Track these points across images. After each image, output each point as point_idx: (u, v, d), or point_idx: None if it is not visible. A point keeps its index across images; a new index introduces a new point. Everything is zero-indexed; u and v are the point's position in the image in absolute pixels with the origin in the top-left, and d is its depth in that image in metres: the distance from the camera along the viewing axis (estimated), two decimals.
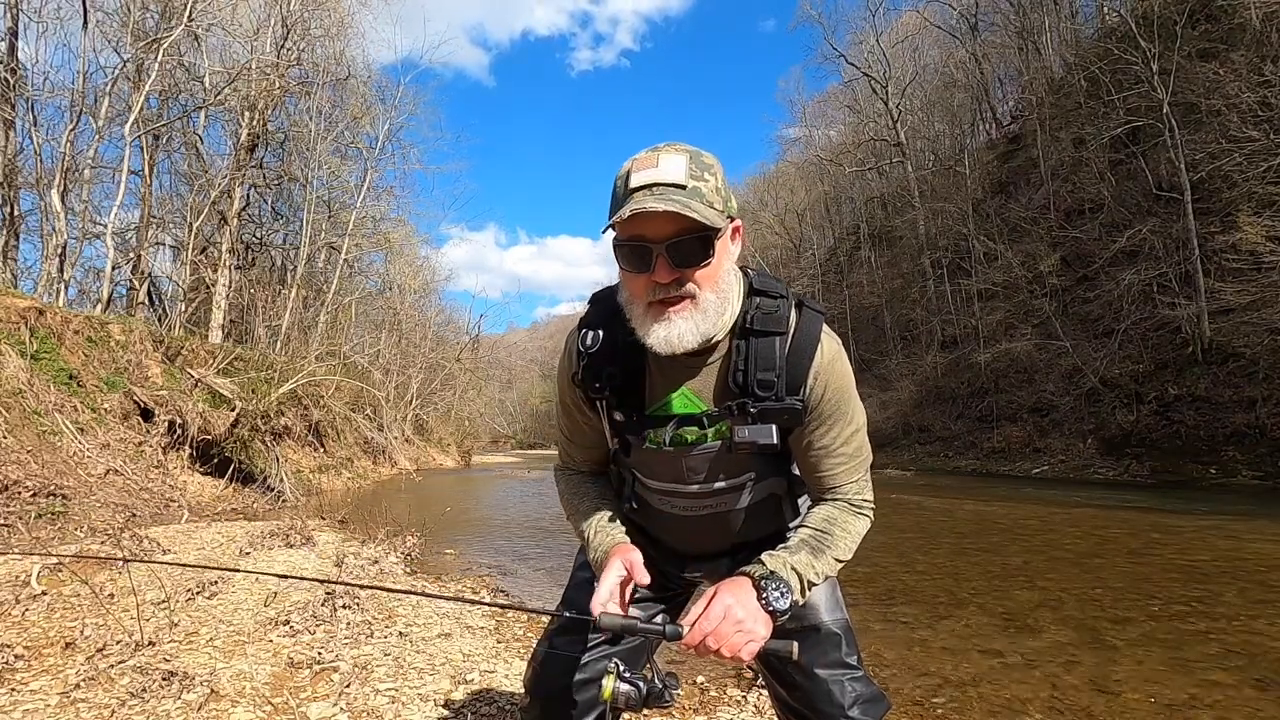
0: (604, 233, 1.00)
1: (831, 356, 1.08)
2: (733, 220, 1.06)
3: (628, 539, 1.16)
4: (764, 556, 1.06)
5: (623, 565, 1.05)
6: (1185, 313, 15.86)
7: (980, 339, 23.46)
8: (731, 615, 0.95)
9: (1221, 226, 15.17)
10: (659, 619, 1.32)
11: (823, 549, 1.09)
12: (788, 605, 0.99)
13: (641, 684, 1.00)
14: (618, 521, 1.21)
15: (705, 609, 0.96)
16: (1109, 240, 19.46)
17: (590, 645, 1.24)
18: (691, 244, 0.98)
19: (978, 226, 25.44)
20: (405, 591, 1.60)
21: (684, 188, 0.97)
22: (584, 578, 1.30)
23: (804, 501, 1.32)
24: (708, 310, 1.02)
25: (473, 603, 1.39)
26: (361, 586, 1.29)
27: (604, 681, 0.99)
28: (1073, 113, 23.37)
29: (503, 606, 1.48)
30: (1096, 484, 14.25)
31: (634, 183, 0.98)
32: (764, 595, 0.98)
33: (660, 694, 1.01)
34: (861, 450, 1.15)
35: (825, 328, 1.10)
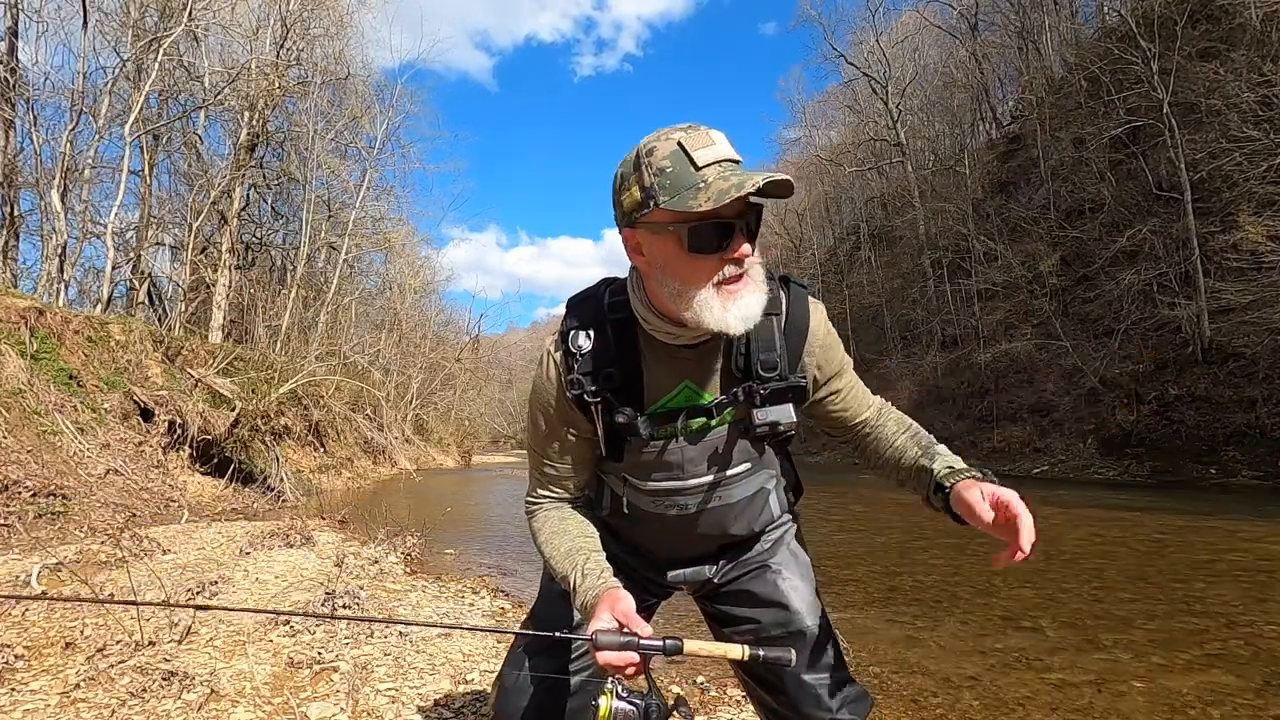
0: (701, 212, 0.92)
1: (820, 322, 1.14)
2: None
3: (619, 583, 1.06)
4: (942, 467, 1.13)
5: (612, 618, 0.97)
6: (1185, 313, 15.84)
7: (980, 339, 23.45)
8: (1013, 500, 1.03)
9: (1222, 226, 15.17)
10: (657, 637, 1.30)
11: (934, 443, 1.22)
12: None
13: (640, 702, 0.94)
14: (604, 559, 1.13)
15: (1019, 525, 1.03)
16: (1109, 240, 19.45)
17: (575, 657, 1.17)
18: (757, 216, 0.99)
19: (978, 226, 25.43)
20: (385, 621, 1.59)
21: (740, 163, 0.97)
22: (556, 591, 1.20)
23: (784, 494, 1.32)
24: (760, 280, 1.02)
25: (449, 628, 1.39)
26: (353, 619, 1.29)
27: (599, 700, 0.92)
28: (1073, 113, 23.36)
29: (488, 630, 1.47)
30: (1096, 484, 14.24)
31: (702, 159, 0.94)
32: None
33: (663, 712, 0.95)
34: (857, 379, 1.26)
35: (811, 299, 1.14)
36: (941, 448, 1.17)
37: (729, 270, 0.98)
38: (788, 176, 0.93)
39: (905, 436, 1.22)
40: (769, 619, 1.23)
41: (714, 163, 0.94)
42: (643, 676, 0.98)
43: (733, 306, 0.98)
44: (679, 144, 0.96)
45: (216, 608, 1.44)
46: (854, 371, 1.24)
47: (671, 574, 1.31)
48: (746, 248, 0.97)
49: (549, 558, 1.16)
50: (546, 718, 1.14)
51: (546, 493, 1.24)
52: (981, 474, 1.08)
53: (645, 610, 1.35)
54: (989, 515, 1.01)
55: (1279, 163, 14.01)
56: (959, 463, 1.12)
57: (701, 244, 0.96)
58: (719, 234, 0.96)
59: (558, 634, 1.09)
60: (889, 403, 1.29)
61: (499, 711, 1.17)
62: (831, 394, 1.20)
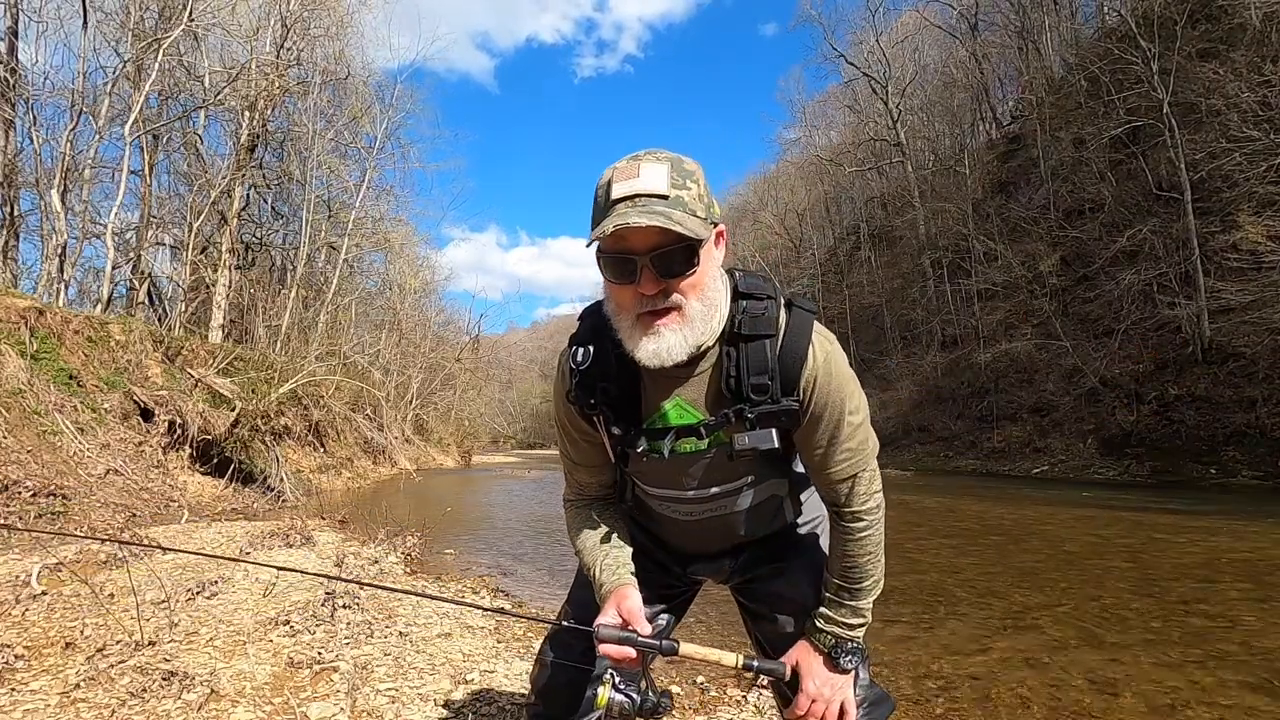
0: (589, 246, 1.00)
1: (825, 356, 1.07)
2: (715, 226, 1.05)
3: (632, 581, 1.16)
4: (819, 620, 1.18)
5: (617, 614, 1.08)
6: (1185, 313, 15.85)
7: (980, 339, 23.46)
8: (821, 697, 1.14)
9: (1221, 226, 15.17)
10: (662, 619, 1.33)
11: (861, 585, 1.17)
12: (859, 658, 1.16)
13: (636, 695, 1.01)
14: (624, 556, 1.21)
15: (797, 702, 1.15)
16: (1109, 240, 19.46)
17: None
18: (676, 255, 0.97)
19: (978, 226, 25.44)
20: (407, 591, 1.59)
21: (666, 197, 0.96)
22: (586, 578, 1.31)
23: (805, 496, 1.32)
24: (695, 320, 1.01)
25: (477, 608, 1.40)
26: (362, 584, 1.29)
27: (599, 690, 1.01)
28: (1073, 113, 23.38)
29: (503, 613, 1.49)
30: (1096, 484, 14.24)
31: (616, 193, 0.97)
32: (838, 663, 1.15)
33: (654, 707, 1.03)
34: (866, 443, 1.13)
35: (816, 325, 1.09)
36: (848, 605, 1.18)
37: (645, 304, 1.00)
38: (662, 224, 0.92)
39: (839, 567, 1.18)
40: (788, 617, 1.27)
41: (626, 198, 0.96)
42: (642, 671, 1.06)
43: (645, 341, 1.01)
44: (611, 175, 1.00)
45: (273, 566, 1.47)
46: (863, 434, 1.12)
47: (692, 568, 1.35)
48: (649, 285, 0.98)
49: (576, 551, 1.26)
50: (571, 696, 1.24)
51: (577, 489, 1.32)
52: (830, 644, 1.16)
53: (680, 602, 1.40)
54: (785, 672, 1.16)
55: (1279, 163, 14.01)
56: (835, 617, 1.18)
57: (608, 274, 1.02)
58: (622, 267, 0.99)
59: (565, 624, 1.18)
60: (869, 511, 1.15)
61: (535, 685, 1.30)
62: (816, 434, 1.10)
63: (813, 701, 1.14)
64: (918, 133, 35.24)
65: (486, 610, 1.20)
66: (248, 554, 5.11)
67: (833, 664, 1.15)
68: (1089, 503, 10.09)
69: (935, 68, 34.67)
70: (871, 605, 1.20)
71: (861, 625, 1.18)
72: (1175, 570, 5.10)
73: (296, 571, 1.62)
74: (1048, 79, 26.78)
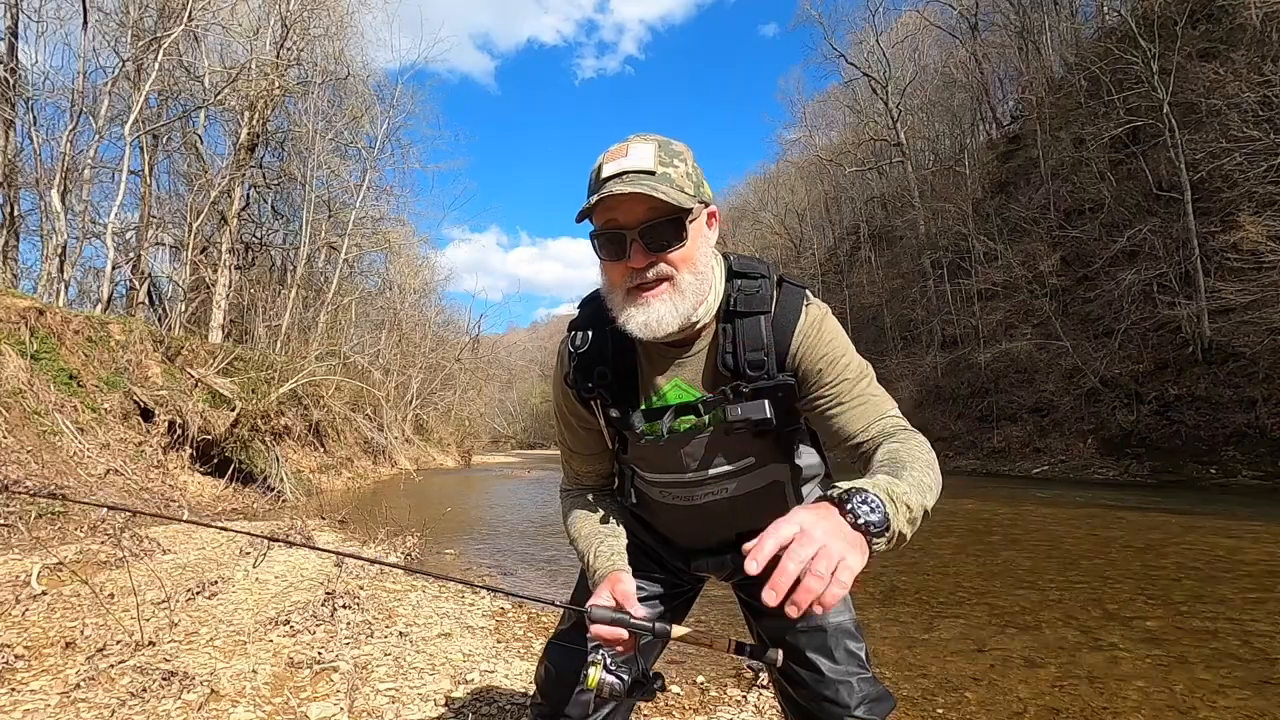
0: (578, 222, 1.02)
1: (813, 320, 1.08)
2: (706, 205, 1.07)
3: (626, 567, 1.14)
4: (838, 482, 0.83)
5: (611, 596, 1.06)
6: (1185, 312, 15.84)
7: (980, 339, 23.45)
8: (810, 533, 0.72)
9: (1222, 226, 15.16)
10: (658, 618, 1.34)
11: (899, 468, 0.89)
12: (880, 517, 0.77)
13: (627, 677, 1.02)
14: (619, 544, 1.20)
15: (770, 533, 0.74)
16: (1109, 240, 19.45)
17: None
18: (664, 227, 1.00)
19: (978, 226, 25.42)
20: (416, 570, 1.59)
21: (652, 173, 0.99)
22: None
23: (808, 491, 1.32)
24: (686, 292, 1.03)
25: (481, 588, 1.40)
26: (369, 561, 1.29)
27: (589, 671, 1.01)
28: (1073, 113, 23.35)
29: (505, 593, 1.48)
30: (1096, 484, 14.24)
31: (605, 173, 1.01)
32: (848, 509, 0.76)
33: (645, 687, 1.03)
34: (880, 393, 1.08)
35: (809, 295, 1.11)
36: (883, 475, 0.87)
37: (635, 278, 1.02)
38: (647, 192, 0.95)
39: (875, 464, 0.95)
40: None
41: (616, 175, 0.99)
42: (655, 654, 1.08)
43: (634, 312, 1.02)
44: (603, 158, 1.03)
45: (303, 545, 1.47)
46: (870, 389, 1.08)
47: (695, 562, 1.35)
48: (639, 258, 1.00)
49: (572, 540, 1.26)
50: (571, 688, 1.25)
51: (574, 480, 1.33)
52: (842, 496, 0.79)
53: (682, 601, 1.40)
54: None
55: (1279, 163, 14.01)
56: (868, 484, 0.82)
57: (600, 250, 1.04)
58: (612, 242, 1.02)
59: (556, 603, 1.15)
60: (910, 430, 1.03)
61: (539, 683, 1.32)
62: (818, 396, 1.08)
63: (799, 530, 0.72)
64: (918, 133, 35.23)
65: (495, 590, 1.19)
66: (247, 554, 5.11)
67: (840, 510, 0.77)
68: (1089, 503, 10.09)
69: (935, 68, 34.63)
70: (911, 502, 0.83)
71: (890, 502, 0.79)
72: (1176, 570, 5.10)
73: (331, 553, 1.63)
74: (1048, 79, 26.76)
